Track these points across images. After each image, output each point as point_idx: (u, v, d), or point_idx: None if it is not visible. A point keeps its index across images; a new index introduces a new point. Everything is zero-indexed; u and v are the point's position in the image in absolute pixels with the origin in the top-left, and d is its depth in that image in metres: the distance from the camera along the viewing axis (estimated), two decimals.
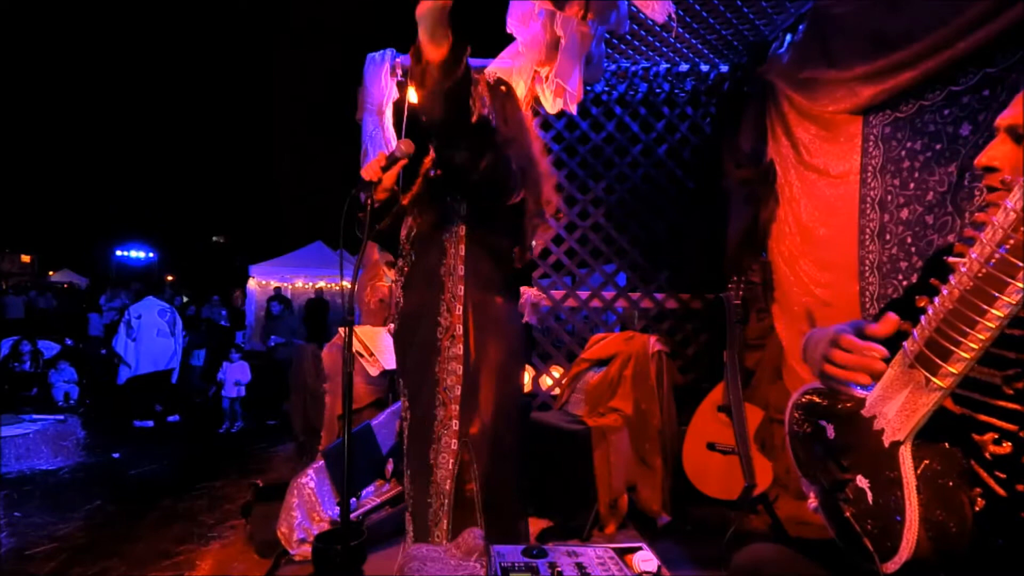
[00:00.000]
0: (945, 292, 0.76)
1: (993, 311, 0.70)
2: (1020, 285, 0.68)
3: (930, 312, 0.79)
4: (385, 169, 1.66)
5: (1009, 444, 0.78)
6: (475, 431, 1.63)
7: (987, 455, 0.80)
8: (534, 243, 1.87)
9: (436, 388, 1.64)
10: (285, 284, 11.71)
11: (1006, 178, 0.69)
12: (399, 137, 3.54)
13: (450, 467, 1.61)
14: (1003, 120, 0.89)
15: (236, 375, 5.59)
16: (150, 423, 5.54)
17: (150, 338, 5.81)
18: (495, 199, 1.66)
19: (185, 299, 11.54)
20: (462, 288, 1.64)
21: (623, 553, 1.48)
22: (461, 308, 1.63)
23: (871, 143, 2.42)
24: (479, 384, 1.64)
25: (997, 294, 0.70)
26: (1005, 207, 0.69)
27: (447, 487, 1.61)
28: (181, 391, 5.96)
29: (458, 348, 1.62)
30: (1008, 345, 0.76)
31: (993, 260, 0.70)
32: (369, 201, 1.61)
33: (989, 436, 0.80)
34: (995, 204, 0.72)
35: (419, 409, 1.69)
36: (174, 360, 5.97)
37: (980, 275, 0.71)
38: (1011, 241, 0.68)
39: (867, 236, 2.43)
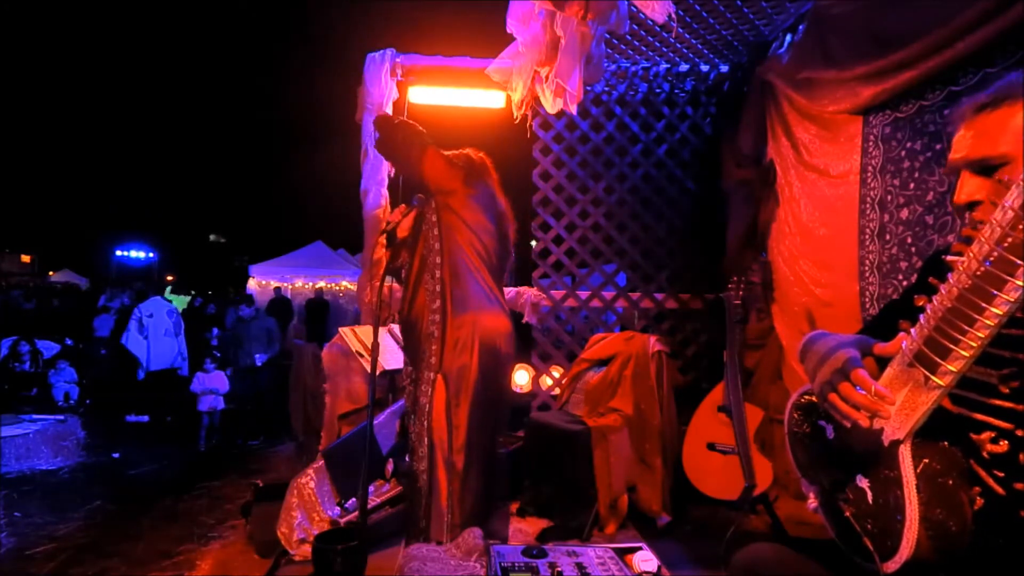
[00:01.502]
0: (944, 291, 0.76)
1: (992, 309, 0.70)
2: (1018, 283, 0.68)
3: (929, 311, 0.79)
4: (405, 215, 2.21)
5: (1006, 443, 0.78)
6: (450, 364, 2.03)
7: (984, 454, 0.80)
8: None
9: (422, 334, 2.06)
10: (285, 284, 11.71)
11: (1004, 178, 0.70)
12: None
13: (429, 395, 2.01)
14: (955, 160, 0.90)
15: (212, 385, 5.21)
16: (145, 418, 5.56)
17: (158, 337, 5.95)
18: (440, 187, 2.15)
19: (200, 300, 11.38)
20: (439, 258, 2.08)
21: (623, 553, 1.49)
22: (440, 272, 2.07)
23: (871, 143, 2.42)
24: (452, 325, 2.04)
25: (996, 292, 0.70)
26: (1003, 205, 0.69)
27: (427, 410, 2.01)
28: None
29: (437, 302, 2.04)
30: (1004, 344, 0.76)
31: (992, 258, 0.70)
32: (392, 239, 2.17)
33: (986, 435, 0.80)
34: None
35: (412, 360, 2.16)
36: (179, 359, 6.15)
37: (979, 273, 0.71)
38: (1009, 239, 0.68)
39: (867, 236, 2.43)
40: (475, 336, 2.03)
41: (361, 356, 2.95)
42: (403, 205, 2.27)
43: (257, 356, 5.81)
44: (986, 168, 0.85)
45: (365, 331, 3.07)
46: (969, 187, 0.88)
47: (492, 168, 2.35)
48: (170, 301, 6.91)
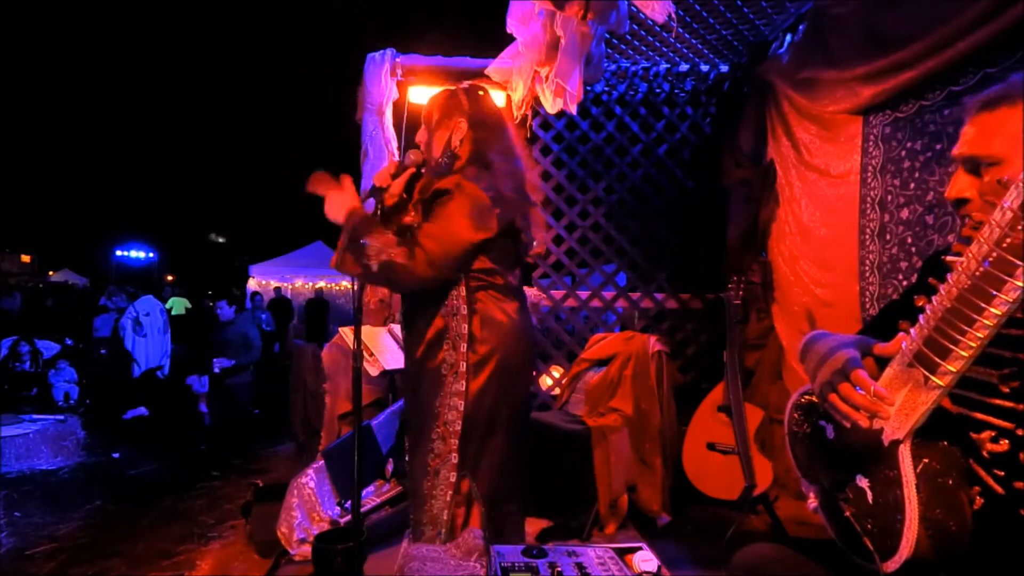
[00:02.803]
0: (943, 291, 0.77)
1: (991, 309, 0.70)
2: (1018, 283, 0.68)
3: (929, 311, 0.79)
4: (395, 176, 1.75)
5: (1006, 442, 0.78)
6: (477, 467, 1.65)
7: (985, 454, 0.80)
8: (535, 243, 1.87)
9: (436, 422, 1.65)
10: (285, 284, 11.73)
11: (1003, 178, 0.70)
12: (399, 138, 3.54)
13: (448, 498, 1.64)
14: (954, 155, 0.91)
15: (210, 386, 5.20)
16: (143, 410, 5.55)
17: (153, 335, 5.99)
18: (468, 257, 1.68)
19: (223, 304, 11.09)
20: (466, 327, 1.65)
21: (623, 553, 1.48)
22: (465, 346, 1.64)
23: (871, 143, 2.42)
24: (480, 422, 1.64)
25: (995, 292, 0.70)
26: (1002, 206, 0.69)
27: (444, 516, 1.64)
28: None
29: (460, 385, 1.63)
30: (1004, 344, 0.76)
31: (991, 259, 0.70)
32: (378, 206, 1.73)
33: (986, 434, 0.80)
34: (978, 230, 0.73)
35: (417, 437, 1.72)
36: (165, 357, 6.24)
37: (978, 274, 0.71)
38: (1009, 240, 0.68)
39: (867, 236, 2.43)
40: (499, 412, 1.65)
41: (362, 356, 2.95)
42: (394, 162, 1.85)
43: (216, 361, 5.00)
44: (976, 167, 0.86)
45: (366, 331, 3.06)
46: (960, 184, 0.89)
47: (514, 136, 1.79)
48: (170, 308, 6.96)
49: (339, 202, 1.64)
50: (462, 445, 1.62)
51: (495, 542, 1.53)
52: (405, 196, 1.84)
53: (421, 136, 1.79)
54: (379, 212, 1.73)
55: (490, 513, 1.68)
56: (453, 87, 1.78)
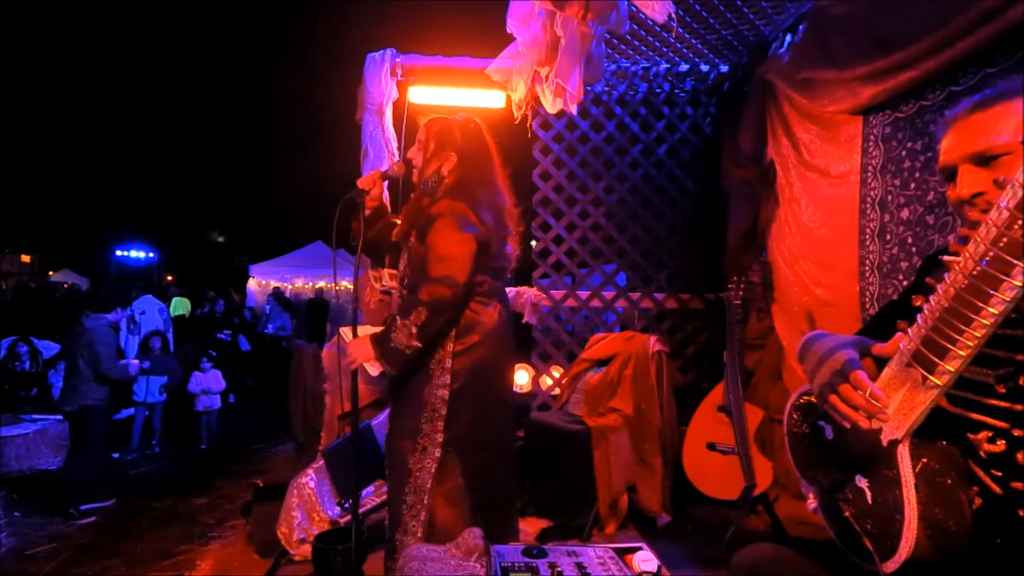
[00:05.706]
0: (941, 291, 0.77)
1: (988, 308, 0.70)
2: (1015, 282, 0.68)
3: (926, 311, 0.79)
4: (378, 181, 1.98)
5: (1003, 442, 0.78)
6: (459, 443, 1.83)
7: (982, 454, 0.80)
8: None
9: (424, 409, 1.82)
10: (285, 284, 11.74)
11: (999, 178, 0.70)
12: (399, 137, 3.54)
13: (432, 471, 1.81)
14: (951, 160, 0.91)
15: (208, 385, 5.05)
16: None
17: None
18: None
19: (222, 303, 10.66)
20: (452, 341, 1.83)
21: (623, 553, 1.49)
22: (451, 344, 1.83)
23: (871, 143, 2.42)
24: (463, 407, 1.83)
25: (992, 291, 0.70)
26: (999, 205, 0.69)
27: (428, 486, 1.81)
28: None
29: (446, 377, 1.82)
30: (1000, 344, 0.76)
31: (987, 258, 0.70)
32: (361, 209, 1.91)
33: (983, 435, 0.80)
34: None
35: (404, 424, 1.88)
36: None
37: (975, 273, 0.72)
38: (1005, 239, 0.68)
39: (867, 236, 2.43)
40: (480, 403, 1.85)
41: None
42: (378, 170, 2.02)
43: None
44: (985, 160, 0.86)
45: (366, 331, 3.06)
46: (970, 179, 0.88)
47: (495, 160, 1.99)
48: (171, 308, 6.92)
49: (359, 346, 1.82)
50: (447, 428, 1.80)
51: (490, 539, 1.58)
52: (385, 203, 2.09)
53: (415, 156, 1.98)
54: (361, 215, 1.91)
55: (481, 508, 1.83)
56: (449, 118, 1.97)
